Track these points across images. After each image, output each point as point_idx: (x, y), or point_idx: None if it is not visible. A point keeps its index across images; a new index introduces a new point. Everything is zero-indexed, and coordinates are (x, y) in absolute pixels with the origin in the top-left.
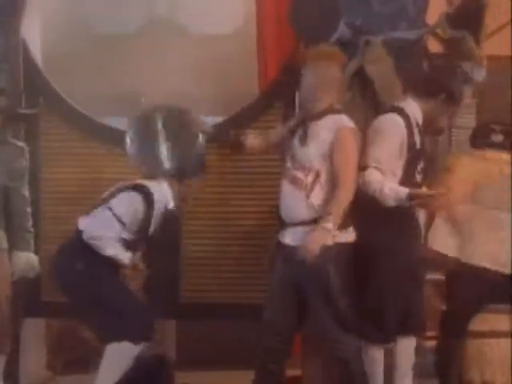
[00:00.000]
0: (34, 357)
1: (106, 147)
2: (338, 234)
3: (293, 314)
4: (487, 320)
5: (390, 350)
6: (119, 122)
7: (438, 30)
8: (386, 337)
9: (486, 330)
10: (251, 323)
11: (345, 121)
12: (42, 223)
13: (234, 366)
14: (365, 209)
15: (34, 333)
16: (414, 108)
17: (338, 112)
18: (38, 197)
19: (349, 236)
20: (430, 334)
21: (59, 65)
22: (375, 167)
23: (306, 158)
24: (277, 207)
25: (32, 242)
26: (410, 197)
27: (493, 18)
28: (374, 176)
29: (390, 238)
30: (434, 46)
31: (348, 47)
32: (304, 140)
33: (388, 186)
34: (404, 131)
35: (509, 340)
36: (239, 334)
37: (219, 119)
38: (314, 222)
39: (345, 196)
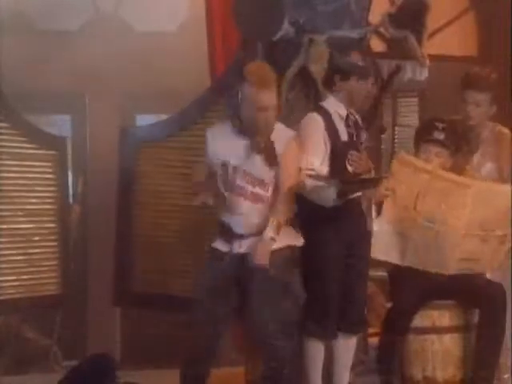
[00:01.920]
0: None
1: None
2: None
3: (225, 318)
4: (429, 316)
5: (331, 346)
6: (64, 120)
7: (381, 29)
8: (326, 332)
9: (427, 326)
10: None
11: (287, 130)
12: None
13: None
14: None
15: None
16: (334, 103)
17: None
18: None
19: (291, 239)
20: (372, 330)
21: (4, 61)
22: (307, 169)
23: (263, 174)
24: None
25: None
26: (340, 195)
27: (435, 18)
28: (308, 185)
29: (326, 234)
30: (377, 45)
31: (291, 46)
32: (271, 157)
33: (322, 191)
34: (322, 126)
35: (449, 335)
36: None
37: (164, 117)
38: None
39: (282, 204)
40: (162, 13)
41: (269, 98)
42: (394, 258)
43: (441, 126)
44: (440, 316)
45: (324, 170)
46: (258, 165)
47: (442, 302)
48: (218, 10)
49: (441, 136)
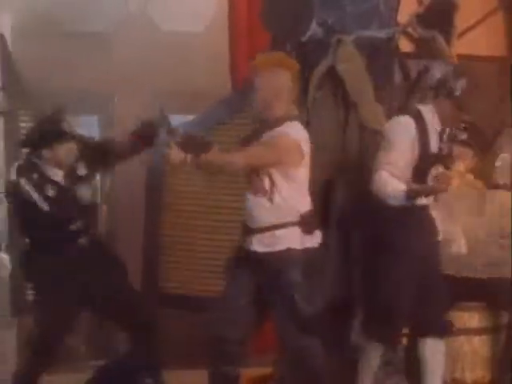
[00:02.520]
0: (4, 356)
1: None
2: (307, 238)
3: (251, 318)
4: (459, 318)
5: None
6: (92, 121)
7: (410, 30)
8: (390, 336)
9: (457, 328)
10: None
11: (292, 129)
12: None
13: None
14: (373, 209)
15: (5, 333)
16: (431, 112)
17: (293, 119)
18: None
19: (315, 240)
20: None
21: (32, 63)
22: (384, 169)
23: None
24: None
25: (2, 242)
26: (409, 194)
27: (463, 18)
28: (380, 176)
29: (394, 236)
30: (406, 46)
31: (320, 46)
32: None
33: (392, 185)
34: (414, 133)
35: (478, 337)
36: None
37: (190, 117)
38: (282, 226)
39: (238, 156)
40: (189, 13)
41: (259, 79)
42: None
43: (463, 126)
44: (470, 318)
45: (405, 172)
46: None
47: (472, 304)
48: (243, 10)
49: (463, 136)
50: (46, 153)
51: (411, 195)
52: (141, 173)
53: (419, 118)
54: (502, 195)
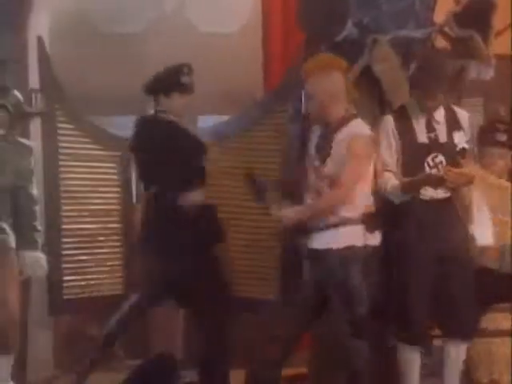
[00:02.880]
0: (41, 356)
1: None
2: (369, 237)
3: (306, 317)
4: (493, 319)
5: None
6: (129, 121)
7: (446, 29)
8: (414, 337)
9: (492, 329)
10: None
11: (359, 128)
12: (59, 221)
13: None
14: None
15: (42, 331)
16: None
17: (354, 117)
18: (54, 196)
19: (376, 239)
20: (436, 332)
21: (67, 64)
22: (385, 170)
23: (328, 170)
24: None
25: (39, 240)
26: (403, 188)
27: (501, 18)
28: (383, 177)
29: (404, 233)
30: (442, 45)
31: (355, 46)
32: (327, 154)
33: (390, 183)
34: (391, 125)
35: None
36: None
37: (225, 118)
38: (345, 223)
39: (335, 195)
40: (225, 13)
41: (312, 85)
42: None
43: (502, 127)
44: (504, 319)
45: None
46: (319, 159)
47: (506, 305)
48: (277, 10)
49: (503, 138)
50: (164, 101)
51: (406, 189)
52: None
53: (400, 112)
54: None
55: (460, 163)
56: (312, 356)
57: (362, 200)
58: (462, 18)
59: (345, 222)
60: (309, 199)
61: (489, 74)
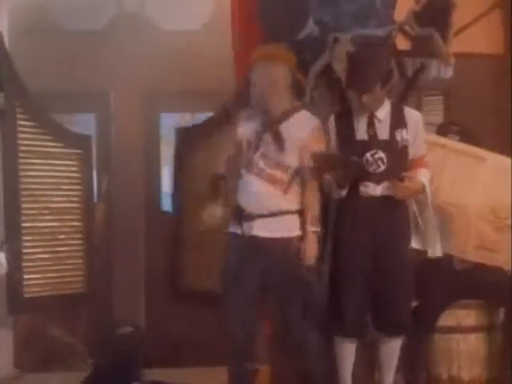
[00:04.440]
0: (1, 355)
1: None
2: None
3: (254, 308)
4: (454, 315)
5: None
6: (89, 119)
7: (407, 28)
8: (346, 329)
9: (453, 326)
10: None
11: (313, 118)
12: (19, 219)
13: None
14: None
15: (2, 330)
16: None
17: (299, 108)
18: (14, 193)
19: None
20: None
21: (26, 61)
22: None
23: (283, 157)
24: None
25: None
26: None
27: (460, 16)
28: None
29: (336, 228)
30: (402, 43)
31: (317, 44)
32: (279, 141)
33: (327, 178)
34: (330, 126)
35: (475, 335)
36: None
37: (187, 115)
38: (290, 213)
39: (310, 195)
40: (186, 12)
41: (255, 73)
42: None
43: (456, 128)
44: (466, 315)
45: None
46: (272, 147)
47: (468, 302)
48: (239, 9)
49: (454, 139)
50: None
51: (330, 184)
52: (137, 172)
53: (342, 110)
54: (500, 159)
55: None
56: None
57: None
58: (421, 17)
59: (288, 212)
60: (255, 181)
61: (448, 72)
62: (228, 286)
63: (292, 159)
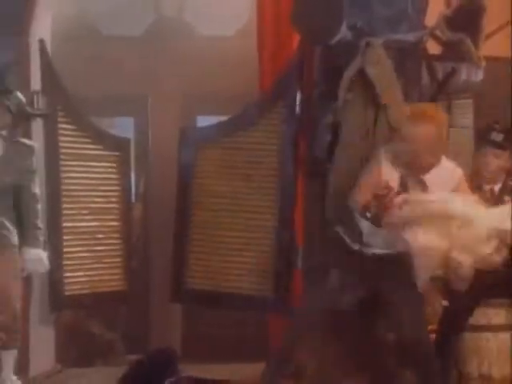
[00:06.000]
0: (43, 350)
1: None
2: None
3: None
4: (485, 314)
5: None
6: (127, 122)
7: (437, 32)
8: None
9: (483, 324)
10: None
11: (457, 169)
12: (60, 219)
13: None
14: None
15: (44, 327)
16: None
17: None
18: (55, 194)
19: None
20: (430, 327)
21: (68, 66)
22: None
23: None
24: None
25: (41, 238)
26: None
27: (490, 20)
28: None
29: None
30: (433, 48)
31: (349, 48)
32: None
33: None
34: None
35: (505, 333)
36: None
37: (223, 118)
38: None
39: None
40: (222, 17)
41: (413, 131)
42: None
43: (499, 127)
44: (496, 314)
45: None
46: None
47: (498, 300)
48: (270, 14)
49: (499, 137)
50: None
51: None
52: (173, 173)
53: None
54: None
55: None
56: None
57: None
58: (452, 22)
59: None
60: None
61: (479, 75)
62: None
63: None
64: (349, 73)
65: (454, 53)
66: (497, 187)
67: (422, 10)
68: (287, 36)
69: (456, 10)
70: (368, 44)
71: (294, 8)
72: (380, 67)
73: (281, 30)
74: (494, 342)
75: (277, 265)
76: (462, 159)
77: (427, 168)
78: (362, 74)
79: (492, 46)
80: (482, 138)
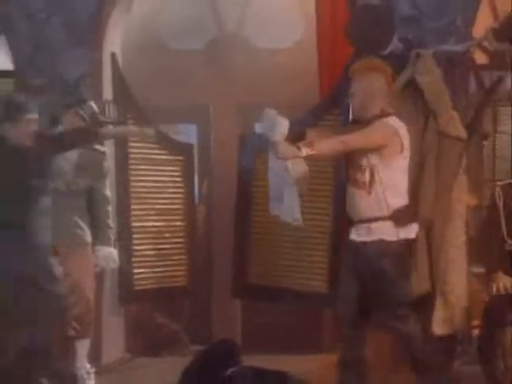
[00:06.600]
0: (114, 340)
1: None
2: (401, 231)
3: (358, 303)
4: None
5: None
6: (191, 129)
7: (485, 43)
8: None
9: None
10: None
11: (390, 120)
12: (129, 219)
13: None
14: None
15: (115, 318)
16: None
17: (389, 115)
18: (125, 196)
19: (411, 231)
20: (475, 323)
21: (137, 77)
22: None
23: (360, 158)
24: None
25: (112, 237)
26: None
27: None
28: None
29: None
30: (480, 58)
31: (400, 59)
32: None
33: None
34: None
35: None
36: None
37: None
38: (375, 220)
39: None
40: (279, 31)
41: (353, 85)
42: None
43: None
44: None
45: None
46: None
47: None
48: (328, 28)
49: None
50: None
51: None
52: (234, 176)
53: None
54: None
55: None
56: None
57: (393, 199)
58: (499, 33)
59: (376, 219)
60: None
61: None
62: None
63: (368, 160)
64: (400, 81)
65: (500, 62)
66: None
67: (471, 23)
68: (343, 48)
69: (503, 23)
70: (418, 55)
71: (350, 22)
72: (429, 76)
73: (337, 43)
74: None
75: (332, 262)
76: (507, 164)
77: (372, 118)
78: (413, 83)
79: None
80: None
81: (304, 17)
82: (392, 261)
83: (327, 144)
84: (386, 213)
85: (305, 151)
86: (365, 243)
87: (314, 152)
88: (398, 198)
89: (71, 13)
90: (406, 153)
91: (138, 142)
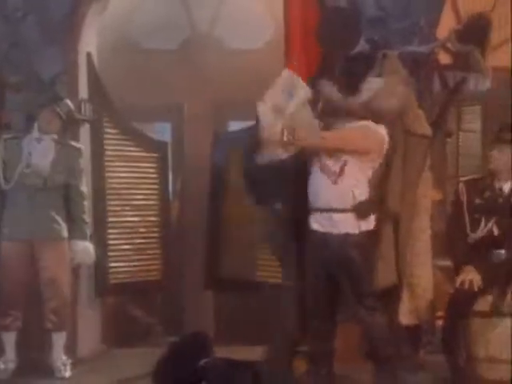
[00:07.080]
0: (90, 332)
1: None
2: (362, 223)
3: (327, 295)
4: (489, 300)
5: None
6: (165, 127)
7: (448, 44)
8: None
9: (488, 310)
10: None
11: (380, 129)
12: (105, 215)
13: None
14: None
15: (90, 311)
16: None
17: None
18: (101, 192)
19: (370, 223)
20: (439, 314)
21: (112, 76)
22: None
23: None
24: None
25: (88, 232)
26: None
27: (497, 33)
28: None
29: None
30: (444, 58)
31: (367, 60)
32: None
33: None
34: None
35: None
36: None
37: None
38: (339, 211)
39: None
40: (250, 32)
41: None
42: None
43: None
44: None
45: None
46: None
47: (503, 287)
48: (297, 29)
49: (508, 136)
50: None
51: None
52: (207, 173)
53: None
54: None
55: None
56: None
57: (357, 193)
58: (462, 35)
59: (340, 210)
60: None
61: (486, 84)
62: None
63: None
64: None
65: (463, 63)
66: (506, 186)
67: (434, 24)
68: (313, 48)
69: (466, 25)
70: (385, 55)
71: (319, 24)
72: (396, 76)
73: (307, 42)
74: (500, 327)
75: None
76: (469, 161)
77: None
78: None
79: (499, 58)
80: (494, 138)
81: (274, 19)
82: (357, 252)
83: (308, 136)
84: (349, 205)
85: (286, 137)
86: (330, 235)
87: (293, 140)
88: (361, 191)
89: (46, 12)
90: (382, 157)
91: (114, 140)
